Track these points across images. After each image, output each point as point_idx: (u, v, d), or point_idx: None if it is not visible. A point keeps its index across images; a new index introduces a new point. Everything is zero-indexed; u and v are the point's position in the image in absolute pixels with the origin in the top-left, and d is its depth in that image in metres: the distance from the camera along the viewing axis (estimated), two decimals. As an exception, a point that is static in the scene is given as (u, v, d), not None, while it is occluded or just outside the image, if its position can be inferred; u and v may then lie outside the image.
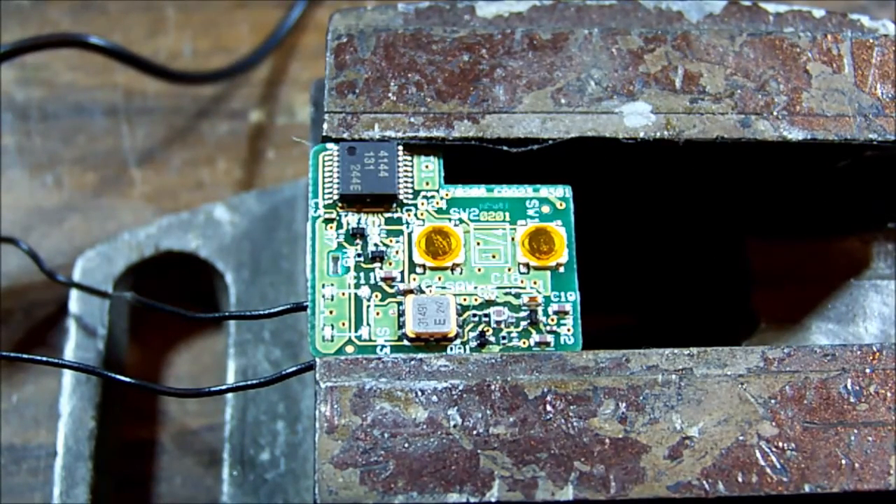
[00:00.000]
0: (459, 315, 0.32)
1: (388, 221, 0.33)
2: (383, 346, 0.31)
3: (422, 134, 0.33)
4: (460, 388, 0.30)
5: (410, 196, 0.33)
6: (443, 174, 0.33)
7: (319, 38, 0.48)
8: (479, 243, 0.33)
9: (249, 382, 0.33)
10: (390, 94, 0.33)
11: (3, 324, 0.42)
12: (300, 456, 0.38)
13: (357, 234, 0.32)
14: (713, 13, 0.35)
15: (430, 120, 0.33)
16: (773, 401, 0.31)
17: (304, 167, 0.40)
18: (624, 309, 0.40)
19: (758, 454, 0.30)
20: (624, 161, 0.34)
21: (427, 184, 0.33)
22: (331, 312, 0.32)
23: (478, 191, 0.33)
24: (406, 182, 0.33)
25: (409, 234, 0.33)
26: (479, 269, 0.32)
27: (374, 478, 0.29)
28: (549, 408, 0.30)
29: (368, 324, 0.32)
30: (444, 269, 0.32)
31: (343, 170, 0.33)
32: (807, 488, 0.30)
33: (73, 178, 0.44)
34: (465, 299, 0.32)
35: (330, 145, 0.33)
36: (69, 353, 0.39)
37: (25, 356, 0.34)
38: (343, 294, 0.32)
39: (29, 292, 0.42)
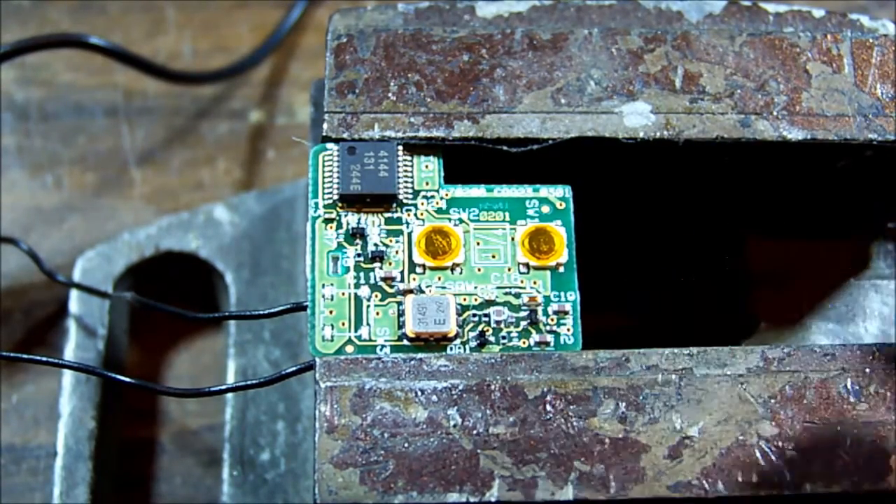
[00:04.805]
0: (459, 315, 0.32)
1: (388, 221, 0.33)
2: (383, 346, 0.31)
3: (422, 134, 0.33)
4: (460, 387, 0.30)
5: (410, 196, 0.33)
6: (443, 174, 0.33)
7: (319, 38, 0.48)
8: (478, 243, 0.33)
9: (249, 382, 0.33)
10: (390, 94, 0.33)
11: (3, 324, 0.42)
12: (300, 456, 0.38)
13: (357, 234, 0.32)
14: (713, 13, 0.35)
15: (430, 120, 0.33)
16: (773, 400, 0.31)
17: (304, 167, 0.40)
18: (624, 309, 0.40)
19: (758, 454, 0.30)
20: (624, 161, 0.34)
21: (427, 184, 0.33)
22: (331, 312, 0.32)
23: (478, 191, 0.33)
24: (406, 182, 0.33)
25: (409, 234, 0.33)
26: (479, 269, 0.32)
27: (373, 478, 0.29)
28: (548, 408, 0.30)
29: (368, 324, 0.32)
30: (444, 268, 0.32)
31: (343, 170, 0.33)
32: (807, 488, 0.30)
33: (73, 178, 0.44)
34: (464, 299, 0.32)
35: (330, 145, 0.33)
36: (69, 353, 0.39)
37: (25, 356, 0.34)
38: (343, 294, 0.32)
39: (29, 292, 0.42)
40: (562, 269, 0.32)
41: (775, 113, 0.34)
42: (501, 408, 0.30)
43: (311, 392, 0.38)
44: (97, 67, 0.46)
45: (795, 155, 0.34)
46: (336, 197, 0.33)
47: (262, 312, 0.34)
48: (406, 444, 0.30)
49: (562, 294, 0.32)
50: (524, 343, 0.32)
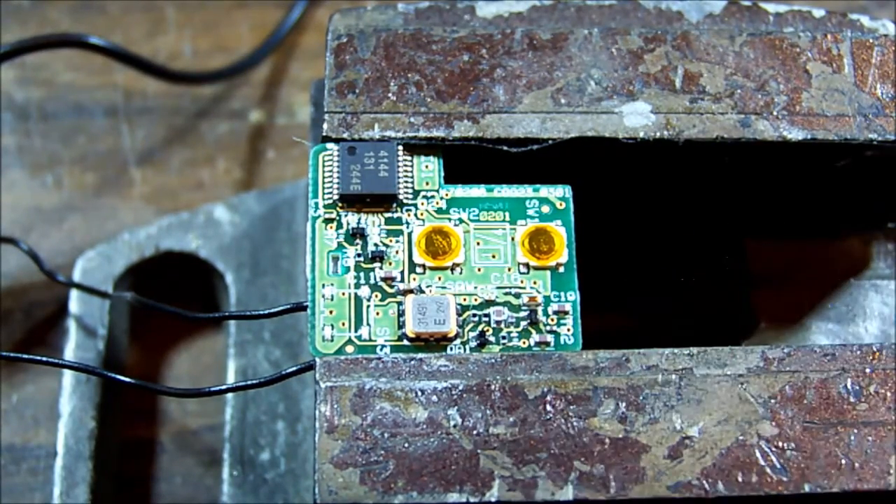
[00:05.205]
0: (459, 315, 0.32)
1: (388, 221, 0.33)
2: (383, 346, 0.31)
3: (422, 134, 0.33)
4: (460, 388, 0.30)
5: (410, 196, 0.33)
6: (443, 174, 0.33)
7: (319, 38, 0.48)
8: (479, 243, 0.33)
9: (249, 382, 0.33)
10: (390, 94, 0.33)
11: (3, 324, 0.42)
12: (300, 456, 0.38)
13: (357, 234, 0.32)
14: (713, 13, 0.35)
15: (430, 120, 0.33)
16: (773, 401, 0.31)
17: (304, 167, 0.40)
18: (624, 309, 0.40)
19: (758, 454, 0.30)
20: (624, 161, 0.34)
21: (427, 184, 0.33)
22: (331, 312, 0.32)
23: (478, 191, 0.33)
24: (406, 182, 0.33)
25: (409, 234, 0.33)
26: (479, 269, 0.32)
27: (374, 478, 0.29)
28: (549, 408, 0.30)
29: (368, 324, 0.32)
30: (444, 268, 0.32)
31: (343, 170, 0.33)
32: (807, 488, 0.30)
33: (73, 178, 0.44)
34: (465, 299, 0.32)
35: (330, 145, 0.33)
36: (69, 353, 0.39)
37: (25, 356, 0.34)
38: (343, 294, 0.32)
39: (29, 292, 0.42)
40: (562, 269, 0.32)
41: (775, 113, 0.34)
42: (501, 408, 0.30)
43: (311, 392, 0.38)
44: (97, 67, 0.46)
45: (795, 155, 0.34)
46: (336, 197, 0.33)
47: (262, 312, 0.34)
48: (406, 444, 0.30)
49: (562, 294, 0.32)
50: (524, 343, 0.32)
